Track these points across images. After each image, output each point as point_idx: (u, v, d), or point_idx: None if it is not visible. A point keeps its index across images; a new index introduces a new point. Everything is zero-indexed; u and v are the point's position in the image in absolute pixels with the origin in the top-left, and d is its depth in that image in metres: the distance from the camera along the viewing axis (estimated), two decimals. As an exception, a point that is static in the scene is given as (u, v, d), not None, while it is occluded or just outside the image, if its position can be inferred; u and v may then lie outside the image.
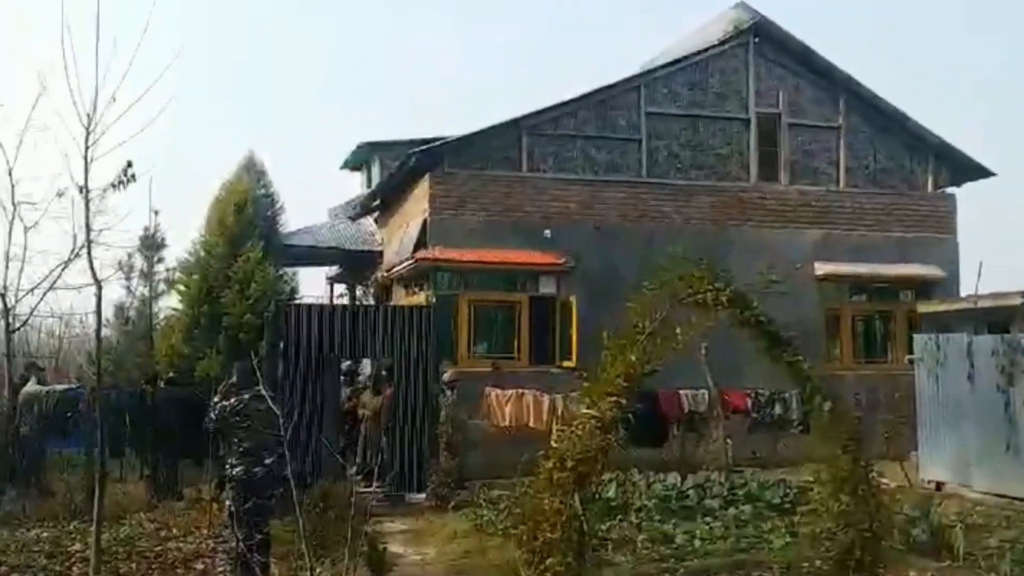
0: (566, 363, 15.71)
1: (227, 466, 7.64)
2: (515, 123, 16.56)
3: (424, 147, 16.33)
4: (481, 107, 64.25)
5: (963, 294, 15.68)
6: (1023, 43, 56.14)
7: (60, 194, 7.24)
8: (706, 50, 17.68)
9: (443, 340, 13.60)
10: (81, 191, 6.89)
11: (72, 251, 7.36)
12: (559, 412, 12.92)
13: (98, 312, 7.45)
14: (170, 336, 18.60)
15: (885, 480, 9.98)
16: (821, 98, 18.24)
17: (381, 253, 20.24)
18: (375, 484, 11.03)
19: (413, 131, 24.44)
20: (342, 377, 13.83)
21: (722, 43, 17.69)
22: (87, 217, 6.97)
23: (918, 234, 18.15)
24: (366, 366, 16.33)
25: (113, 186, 7.03)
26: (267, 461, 7.43)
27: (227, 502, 7.82)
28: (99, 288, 7.17)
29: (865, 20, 63.77)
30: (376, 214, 21.63)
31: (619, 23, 73.97)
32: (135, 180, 7.06)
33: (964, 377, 11.69)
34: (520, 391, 14.07)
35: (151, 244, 20.98)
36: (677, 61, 17.67)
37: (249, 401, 7.47)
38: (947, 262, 17.89)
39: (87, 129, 6.71)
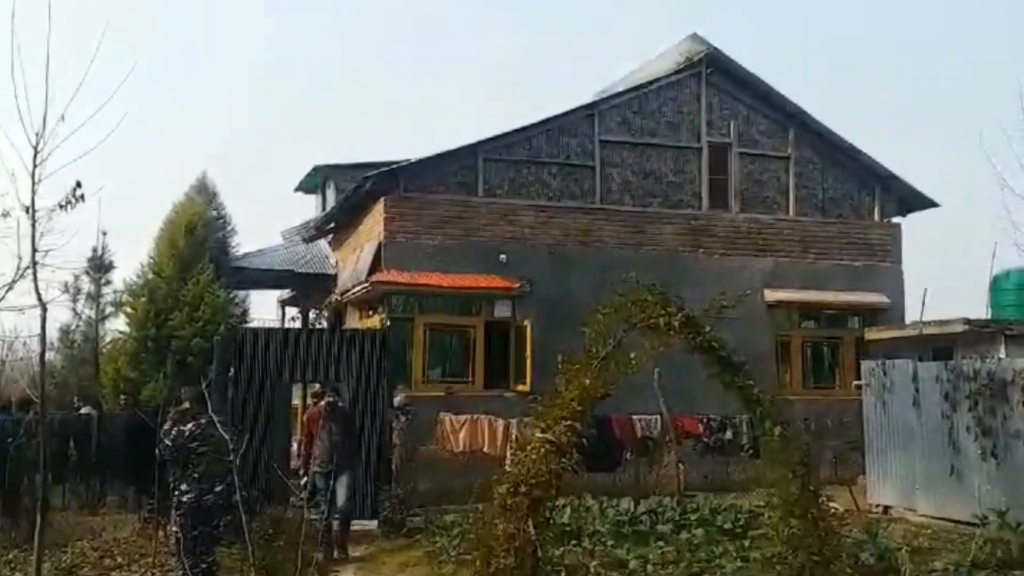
0: (520, 387, 15.71)
1: (176, 492, 7.47)
2: (471, 148, 16.63)
3: (380, 170, 16.31)
4: (437, 132, 64.42)
5: (908, 321, 16.01)
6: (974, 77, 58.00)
7: (5, 214, 7.04)
8: (658, 80, 17.97)
9: (397, 364, 13.50)
10: (27, 211, 6.72)
11: (17, 272, 7.15)
12: (513, 437, 12.85)
13: (42, 334, 7.25)
14: (116, 359, 18.24)
15: (834, 504, 10.10)
16: (772, 128, 18.63)
17: (335, 276, 20.10)
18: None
19: (368, 155, 24.37)
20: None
21: (674, 73, 18.01)
22: (33, 238, 6.80)
23: (865, 262, 18.57)
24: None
25: (61, 206, 6.86)
26: (217, 488, 7.29)
27: (173, 529, 7.65)
28: (44, 310, 6.99)
29: (823, 51, 65.39)
30: (330, 237, 21.50)
31: (581, 50, 74.88)
32: (84, 200, 6.88)
33: (910, 403, 11.88)
34: (474, 416, 14.01)
35: (99, 265, 20.60)
36: (630, 90, 17.95)
37: (206, 426, 7.32)
38: (893, 289, 18.31)
39: (35, 148, 6.57)
